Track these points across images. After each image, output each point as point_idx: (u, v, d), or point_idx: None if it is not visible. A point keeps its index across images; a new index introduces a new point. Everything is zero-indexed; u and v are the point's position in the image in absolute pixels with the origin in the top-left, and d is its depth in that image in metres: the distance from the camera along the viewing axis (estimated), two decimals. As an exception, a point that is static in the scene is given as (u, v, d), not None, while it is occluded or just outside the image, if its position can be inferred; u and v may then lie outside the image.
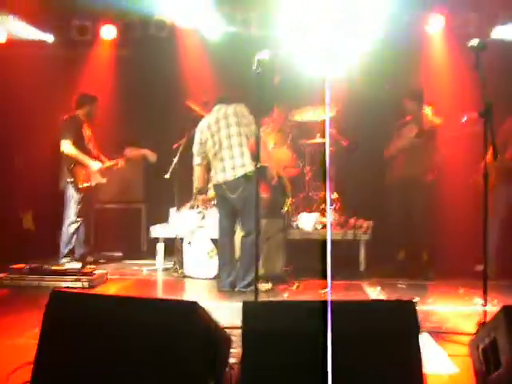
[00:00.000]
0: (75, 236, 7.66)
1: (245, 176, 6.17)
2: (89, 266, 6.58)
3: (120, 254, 8.70)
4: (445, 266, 7.46)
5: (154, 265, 7.85)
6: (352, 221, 7.57)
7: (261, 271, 4.97)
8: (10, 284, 6.34)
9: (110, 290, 6.40)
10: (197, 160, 6.57)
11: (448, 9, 8.33)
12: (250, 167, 6.15)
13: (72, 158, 7.55)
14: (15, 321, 4.83)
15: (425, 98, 7.35)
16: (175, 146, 7.74)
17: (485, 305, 4.23)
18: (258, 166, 4.93)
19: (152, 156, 7.94)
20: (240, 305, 2.87)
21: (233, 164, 6.24)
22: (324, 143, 8.06)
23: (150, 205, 9.32)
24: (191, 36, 8.84)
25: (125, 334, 2.79)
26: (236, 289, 6.27)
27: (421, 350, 2.77)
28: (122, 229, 9.06)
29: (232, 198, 6.26)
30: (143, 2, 7.99)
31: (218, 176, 6.32)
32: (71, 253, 7.63)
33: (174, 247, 7.54)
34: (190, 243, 7.25)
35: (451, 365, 3.76)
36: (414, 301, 2.98)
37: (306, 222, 7.49)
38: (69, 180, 7.53)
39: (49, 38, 8.89)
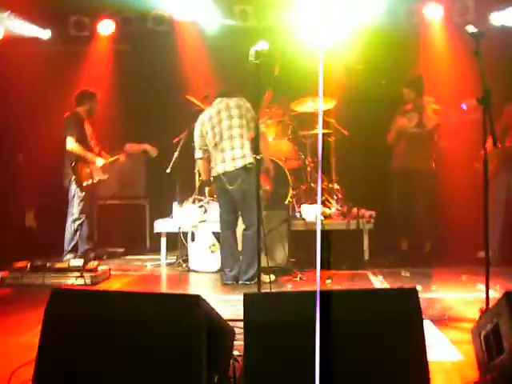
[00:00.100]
0: (78, 232, 7.66)
1: (244, 167, 6.16)
2: (92, 263, 6.57)
3: (122, 250, 8.69)
4: (448, 254, 7.48)
5: (158, 260, 7.87)
6: (355, 210, 7.57)
7: (264, 263, 4.94)
8: (12, 283, 6.33)
9: (114, 285, 6.40)
10: (198, 154, 6.56)
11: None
12: (250, 159, 6.14)
13: (77, 155, 7.55)
14: (18, 319, 4.83)
15: (424, 86, 7.32)
16: (176, 140, 7.75)
17: (487, 291, 4.22)
18: (259, 157, 4.92)
19: (153, 151, 7.92)
20: (244, 297, 2.87)
21: (233, 155, 6.22)
22: (325, 134, 8.06)
23: (153, 200, 9.32)
24: (189, 29, 8.81)
25: (127, 329, 2.78)
26: (239, 282, 6.28)
27: (424, 337, 2.77)
28: (125, 224, 9.05)
29: (231, 189, 6.24)
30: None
31: (218, 167, 6.30)
32: (75, 249, 7.64)
33: (177, 242, 7.54)
34: (192, 237, 7.25)
35: (455, 352, 3.77)
36: (416, 288, 2.97)
37: (308, 213, 7.49)
38: (72, 178, 7.53)
39: (46, 34, 8.88)
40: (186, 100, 7.62)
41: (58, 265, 6.53)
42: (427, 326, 4.23)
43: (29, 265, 6.45)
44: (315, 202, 7.76)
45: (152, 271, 7.44)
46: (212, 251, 7.08)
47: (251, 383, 2.71)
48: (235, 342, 3.19)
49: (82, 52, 8.95)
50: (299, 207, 7.65)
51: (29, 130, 8.53)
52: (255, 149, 5.08)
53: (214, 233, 7.05)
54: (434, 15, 8.40)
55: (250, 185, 5.99)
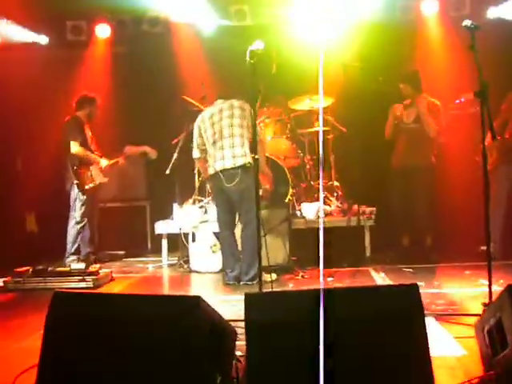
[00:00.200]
0: (80, 235, 7.68)
1: (243, 166, 6.15)
2: (93, 266, 6.56)
3: (123, 252, 8.69)
4: (450, 249, 7.47)
5: (159, 261, 7.88)
6: (355, 207, 7.56)
7: (265, 262, 4.93)
8: (14, 287, 6.32)
9: (116, 288, 6.40)
10: (195, 153, 6.55)
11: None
12: (249, 158, 6.13)
13: (81, 157, 7.56)
14: (21, 324, 4.83)
15: (421, 81, 7.31)
16: (175, 141, 7.75)
17: (490, 285, 4.21)
18: (256, 157, 4.91)
19: (152, 152, 7.94)
20: (246, 298, 2.86)
21: (233, 153, 6.20)
22: (323, 131, 8.05)
23: (154, 202, 9.33)
24: (185, 30, 8.83)
25: (128, 331, 2.78)
26: (241, 283, 6.27)
27: (427, 333, 2.77)
28: (126, 227, 9.07)
29: (228, 188, 6.21)
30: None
31: (217, 164, 6.26)
32: (77, 252, 7.65)
33: (178, 243, 7.54)
34: (193, 238, 7.25)
35: (458, 347, 3.76)
36: (418, 284, 2.96)
37: (309, 211, 7.48)
38: (74, 181, 7.53)
39: (43, 39, 8.89)
40: (184, 101, 7.62)
41: (60, 269, 6.53)
42: (430, 321, 4.24)
43: (30, 269, 6.45)
44: (315, 200, 7.75)
45: (154, 273, 7.46)
46: (213, 251, 7.08)
47: (254, 383, 2.70)
48: (237, 343, 3.19)
49: (79, 56, 8.96)
50: (299, 205, 7.65)
51: (27, 135, 8.54)
52: (253, 149, 5.07)
53: (214, 233, 7.05)
54: (430, 10, 8.40)
55: (248, 185, 5.96)
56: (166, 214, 8.02)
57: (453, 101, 7.92)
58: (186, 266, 7.34)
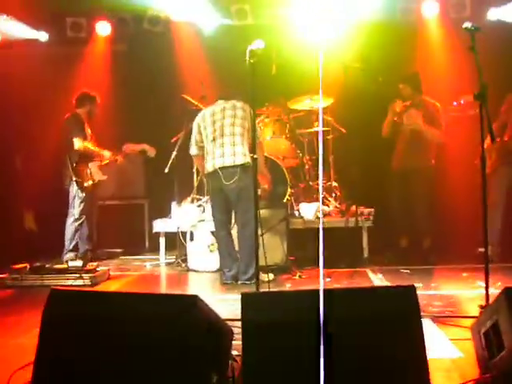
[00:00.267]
0: (78, 233, 7.68)
1: (243, 165, 6.13)
2: (91, 264, 6.56)
3: (121, 250, 8.69)
4: (448, 250, 7.48)
5: (157, 260, 7.88)
6: (353, 208, 7.56)
7: (262, 262, 4.93)
8: (12, 284, 6.31)
9: (113, 286, 6.39)
10: (193, 150, 6.52)
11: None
12: (249, 158, 6.10)
13: (85, 152, 7.58)
14: (18, 321, 4.82)
15: (421, 82, 7.30)
16: (174, 139, 7.74)
17: (487, 288, 4.21)
18: (255, 156, 4.90)
19: (151, 151, 7.94)
20: (243, 297, 2.86)
21: (233, 151, 6.18)
22: (322, 132, 8.04)
23: (152, 200, 9.33)
24: (186, 29, 8.83)
25: (125, 330, 2.77)
26: (239, 282, 6.26)
27: (423, 335, 2.76)
28: (124, 225, 9.05)
29: (226, 186, 6.18)
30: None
31: (216, 161, 6.23)
32: (75, 249, 7.66)
33: (176, 241, 7.54)
34: (191, 237, 7.25)
35: (454, 349, 3.75)
36: (415, 286, 2.96)
37: (307, 211, 7.48)
38: (74, 179, 7.53)
39: (43, 36, 8.88)
40: (184, 100, 7.62)
41: (57, 266, 6.53)
42: (427, 323, 4.24)
43: (28, 266, 6.45)
44: (313, 200, 7.75)
45: (151, 271, 7.45)
46: (211, 250, 7.08)
47: (250, 383, 2.70)
48: (234, 342, 3.18)
49: (79, 53, 8.95)
50: (297, 205, 7.64)
51: (26, 132, 8.52)
52: (252, 149, 5.07)
53: (212, 232, 7.04)
54: (431, 12, 8.41)
55: (246, 184, 5.94)
56: (165, 212, 8.02)
57: (452, 102, 7.92)
58: (183, 265, 7.34)
